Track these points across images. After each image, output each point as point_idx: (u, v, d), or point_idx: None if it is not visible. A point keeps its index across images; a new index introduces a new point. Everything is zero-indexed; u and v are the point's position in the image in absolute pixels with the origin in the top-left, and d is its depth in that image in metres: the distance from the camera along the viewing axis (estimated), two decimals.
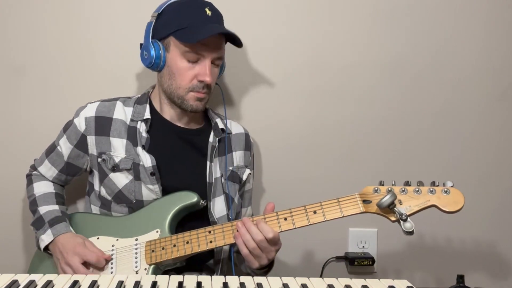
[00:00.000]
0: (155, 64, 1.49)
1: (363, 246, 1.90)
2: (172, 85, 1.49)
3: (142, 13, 1.63)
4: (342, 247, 1.90)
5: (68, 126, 1.56)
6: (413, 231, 1.26)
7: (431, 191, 1.29)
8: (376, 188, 1.32)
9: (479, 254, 1.92)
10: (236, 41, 1.52)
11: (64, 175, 1.61)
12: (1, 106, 1.79)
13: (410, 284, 1.16)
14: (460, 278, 1.56)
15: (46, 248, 1.47)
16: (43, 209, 1.52)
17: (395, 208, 1.27)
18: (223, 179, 1.58)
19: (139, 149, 1.50)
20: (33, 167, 1.64)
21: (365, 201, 1.32)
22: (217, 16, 1.50)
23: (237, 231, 1.35)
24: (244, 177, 1.63)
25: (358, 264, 1.85)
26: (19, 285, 1.09)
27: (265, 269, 1.43)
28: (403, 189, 1.31)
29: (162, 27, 1.48)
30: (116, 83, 1.79)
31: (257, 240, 1.31)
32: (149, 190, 1.50)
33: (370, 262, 1.85)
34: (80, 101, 1.58)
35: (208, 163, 1.56)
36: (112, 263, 1.43)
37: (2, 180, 1.80)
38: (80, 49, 1.78)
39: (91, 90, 1.78)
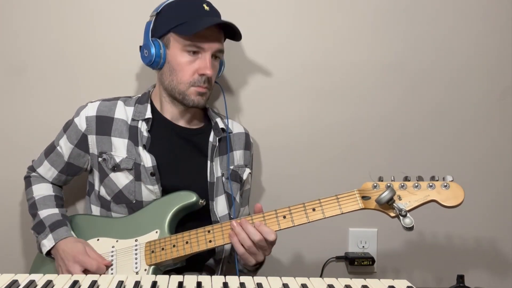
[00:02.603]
0: (155, 62, 1.51)
1: (363, 246, 1.89)
2: (173, 81, 1.50)
3: (142, 12, 1.64)
4: (342, 247, 1.90)
5: (68, 125, 1.55)
6: (412, 226, 1.25)
7: (431, 186, 1.28)
8: (375, 184, 1.32)
9: (479, 254, 1.92)
10: (236, 35, 1.54)
11: (64, 175, 1.60)
12: (1, 106, 1.79)
13: (410, 284, 1.16)
14: (460, 278, 1.56)
15: (48, 252, 1.46)
16: (43, 213, 1.51)
17: (394, 204, 1.26)
18: (224, 178, 1.58)
19: (140, 148, 1.50)
20: (31, 169, 1.63)
21: (364, 197, 1.31)
22: (215, 12, 1.53)
23: (232, 230, 1.35)
24: (245, 176, 1.64)
25: (358, 264, 1.84)
26: (19, 285, 1.09)
27: (258, 265, 1.43)
28: (402, 184, 1.30)
29: (161, 25, 1.51)
30: (116, 82, 1.79)
31: (255, 240, 1.31)
32: (149, 191, 1.49)
33: (370, 262, 1.85)
34: (81, 101, 1.58)
35: (208, 162, 1.56)
36: (112, 265, 1.42)
37: (2, 179, 1.79)
38: (80, 48, 1.79)
39: (92, 90, 1.78)
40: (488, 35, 1.87)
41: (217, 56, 1.53)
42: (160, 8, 1.52)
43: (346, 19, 1.84)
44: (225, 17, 1.54)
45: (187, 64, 1.49)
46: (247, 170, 1.65)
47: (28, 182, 1.61)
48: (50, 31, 1.78)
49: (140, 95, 1.61)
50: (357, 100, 1.86)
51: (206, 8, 1.50)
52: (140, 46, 1.55)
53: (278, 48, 1.83)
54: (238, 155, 1.64)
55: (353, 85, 1.85)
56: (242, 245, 1.33)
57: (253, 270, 1.43)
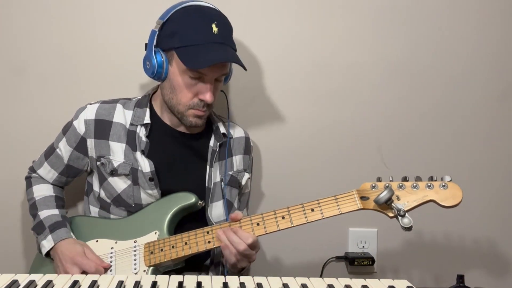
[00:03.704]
0: (158, 74, 1.46)
1: (363, 246, 1.89)
2: (173, 99, 1.47)
3: (144, 12, 1.63)
4: (342, 247, 1.90)
5: (67, 128, 1.55)
6: (411, 226, 1.25)
7: (429, 186, 1.29)
8: (373, 184, 1.32)
9: (479, 253, 1.92)
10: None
11: (65, 177, 1.60)
12: (1, 106, 1.79)
13: (410, 284, 1.16)
14: (460, 278, 1.56)
15: (48, 253, 1.46)
16: (43, 214, 1.51)
17: (392, 204, 1.27)
18: (222, 184, 1.57)
19: (138, 154, 1.49)
20: (32, 169, 1.63)
21: (363, 198, 1.31)
22: (224, 33, 1.44)
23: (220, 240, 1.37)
24: (243, 182, 1.63)
25: (358, 264, 1.85)
26: (19, 285, 1.09)
27: (242, 270, 1.44)
28: (400, 184, 1.30)
29: (166, 38, 1.44)
30: (117, 83, 1.78)
31: (240, 250, 1.32)
32: (148, 195, 1.49)
33: (370, 262, 1.85)
34: (81, 101, 1.57)
35: (208, 167, 1.55)
36: (111, 266, 1.43)
37: (2, 180, 1.80)
38: (81, 49, 1.78)
39: (92, 90, 1.78)
40: (488, 35, 1.86)
41: (220, 79, 1.48)
42: (166, 17, 1.44)
43: (347, 19, 1.83)
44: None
45: (187, 87, 1.44)
46: (246, 175, 1.64)
47: (29, 182, 1.61)
48: (50, 31, 1.77)
49: (140, 97, 1.58)
50: (356, 101, 1.86)
51: (215, 30, 1.40)
52: (146, 44, 1.50)
53: (278, 49, 1.83)
54: (237, 160, 1.62)
55: (353, 86, 1.85)
56: (235, 257, 1.34)
57: (237, 273, 1.42)
